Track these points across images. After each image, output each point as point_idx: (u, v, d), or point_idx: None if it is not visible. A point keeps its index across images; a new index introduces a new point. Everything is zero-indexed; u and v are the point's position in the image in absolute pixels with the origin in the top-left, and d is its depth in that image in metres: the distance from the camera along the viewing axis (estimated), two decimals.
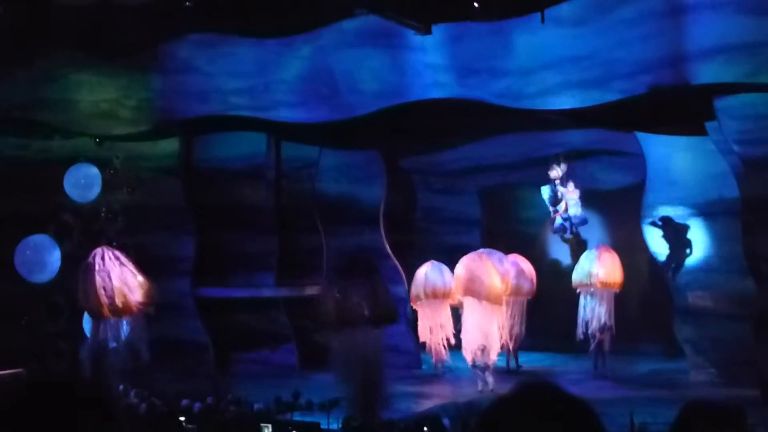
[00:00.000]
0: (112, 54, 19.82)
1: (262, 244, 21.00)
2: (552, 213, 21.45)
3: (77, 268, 17.15)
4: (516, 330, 20.28)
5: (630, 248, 20.63)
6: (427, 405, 16.89)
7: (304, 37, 19.09)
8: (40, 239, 20.13)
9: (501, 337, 18.71)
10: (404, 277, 20.88)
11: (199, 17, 18.80)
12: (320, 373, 17.47)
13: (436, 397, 18.07)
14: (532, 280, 20.39)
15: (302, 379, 18.51)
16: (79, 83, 20.17)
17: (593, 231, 22.27)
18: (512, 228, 24.41)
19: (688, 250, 19.03)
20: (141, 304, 16.46)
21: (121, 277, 16.27)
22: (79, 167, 20.44)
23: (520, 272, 20.09)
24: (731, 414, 3.68)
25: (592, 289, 19.86)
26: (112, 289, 16.22)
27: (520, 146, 22.56)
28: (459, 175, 24.34)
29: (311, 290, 19.61)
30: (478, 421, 2.51)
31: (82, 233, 20.21)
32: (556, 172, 21.04)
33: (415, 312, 20.45)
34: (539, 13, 16.68)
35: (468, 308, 18.15)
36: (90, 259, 16.61)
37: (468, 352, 18.11)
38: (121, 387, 16.20)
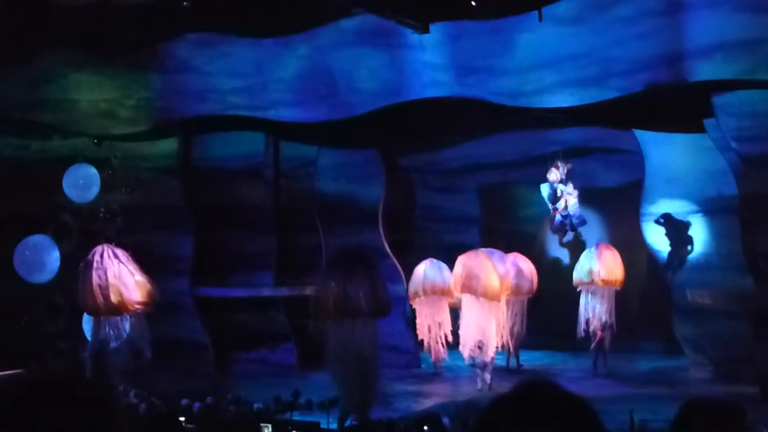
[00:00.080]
0: (111, 54, 19.82)
1: (261, 243, 21.01)
2: (551, 211, 21.45)
3: (76, 268, 17.14)
4: (516, 329, 20.29)
5: (629, 246, 20.65)
6: (426, 404, 16.90)
7: (302, 37, 19.09)
8: (39, 239, 20.11)
9: (500, 335, 18.69)
10: (403, 275, 20.88)
11: (198, 17, 18.78)
12: (319, 373, 17.46)
13: (435, 396, 18.08)
14: (532, 278, 20.39)
15: (301, 379, 18.50)
16: (78, 83, 20.16)
17: (592, 229, 22.29)
18: (511, 226, 24.44)
19: (689, 247, 19.05)
20: (138, 303, 16.41)
21: (118, 275, 16.23)
22: (78, 167, 20.43)
23: (520, 271, 20.09)
24: (731, 411, 3.69)
25: (593, 287, 19.84)
26: (108, 287, 16.17)
27: (519, 144, 22.58)
28: (458, 174, 24.34)
29: (310, 289, 19.61)
30: (477, 420, 2.51)
31: (81, 233, 20.19)
32: (555, 175, 21.02)
33: (414, 311, 20.46)
34: (537, 12, 16.70)
35: (466, 305, 18.16)
36: (89, 257, 16.60)
37: (465, 348, 18.13)
38: (120, 387, 16.19)
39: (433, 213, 24.83)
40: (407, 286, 20.52)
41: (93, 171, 20.44)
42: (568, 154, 21.57)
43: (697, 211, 18.88)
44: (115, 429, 2.49)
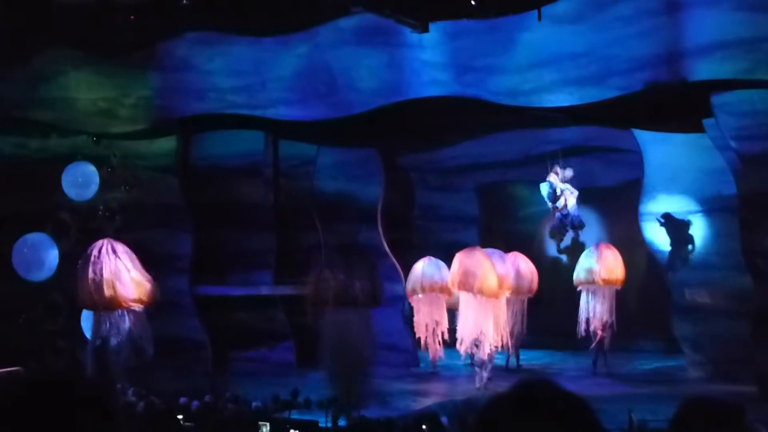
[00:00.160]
0: (110, 52, 19.82)
1: (260, 242, 21.00)
2: (551, 209, 21.44)
3: (75, 266, 17.13)
4: (516, 328, 20.27)
5: (628, 245, 20.64)
6: (425, 403, 16.90)
7: (302, 35, 19.08)
8: (38, 237, 20.12)
9: (500, 334, 18.66)
10: (402, 275, 20.86)
11: (197, 15, 18.79)
12: (318, 371, 17.47)
13: (434, 395, 18.08)
14: (532, 278, 20.37)
15: (300, 378, 18.50)
16: (77, 82, 20.16)
17: (591, 229, 22.28)
18: (511, 226, 24.44)
19: (689, 246, 19.04)
20: (133, 300, 16.34)
21: (113, 270, 16.17)
22: (77, 166, 20.43)
23: (520, 270, 20.08)
24: (730, 411, 3.68)
25: (593, 287, 19.81)
26: (102, 281, 16.13)
27: (518, 144, 22.59)
28: (457, 173, 24.34)
29: (308, 285, 19.66)
30: (476, 419, 2.51)
31: (79, 231, 20.19)
32: (555, 179, 21.01)
33: (411, 309, 20.46)
34: (536, 11, 16.70)
35: (463, 302, 18.17)
36: (88, 251, 16.59)
37: (462, 345, 18.15)
38: (119, 385, 16.19)
39: (432, 212, 24.82)
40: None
41: (92, 169, 20.45)
42: (568, 153, 21.59)
43: (696, 211, 18.89)
44: (114, 427, 2.49)
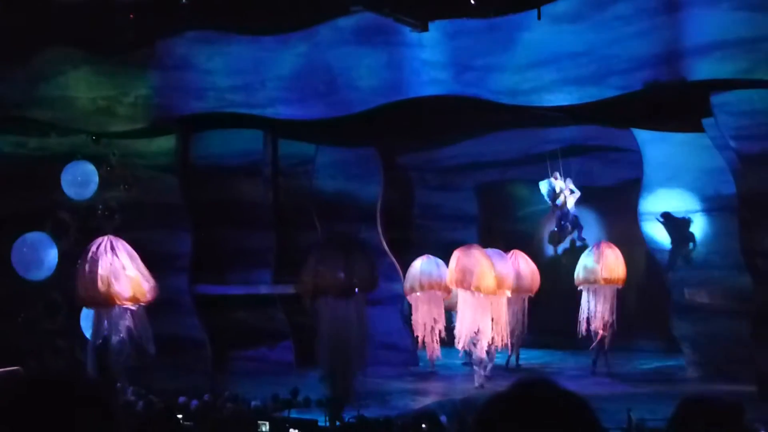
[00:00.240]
0: (110, 51, 19.82)
1: (260, 241, 21.00)
2: (550, 207, 21.41)
3: (74, 265, 17.12)
4: (517, 327, 20.24)
5: (627, 244, 20.62)
6: (424, 402, 16.91)
7: (301, 34, 19.09)
8: (37, 237, 20.12)
9: (500, 333, 18.66)
10: (401, 273, 20.86)
11: (196, 14, 18.79)
12: (318, 370, 17.46)
13: (433, 394, 18.08)
14: (532, 277, 20.36)
15: (300, 377, 18.50)
16: (76, 80, 20.17)
17: (590, 228, 22.27)
18: (510, 225, 24.45)
19: (690, 245, 19.02)
20: (128, 297, 16.27)
21: (109, 267, 16.14)
22: (76, 164, 20.43)
23: (521, 269, 20.08)
24: (729, 410, 3.69)
25: (594, 286, 19.77)
26: (96, 277, 16.11)
27: (518, 143, 22.59)
28: (456, 172, 24.33)
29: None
30: (475, 418, 2.51)
31: (78, 231, 20.19)
32: (557, 180, 21.00)
33: (410, 308, 20.45)
34: (536, 10, 16.71)
35: (461, 300, 18.17)
36: (89, 246, 16.58)
37: (460, 343, 18.18)
38: (119, 384, 16.18)
39: (432, 211, 24.81)
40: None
41: (91, 168, 20.45)
42: (567, 152, 21.58)
43: (696, 210, 18.88)
44: (113, 426, 2.49)
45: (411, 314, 20.37)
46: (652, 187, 19.41)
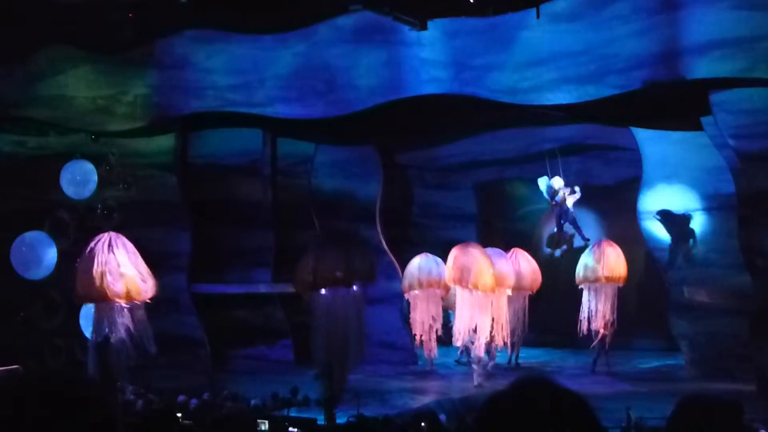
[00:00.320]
0: (109, 50, 19.83)
1: (259, 240, 21.01)
2: (550, 205, 21.34)
3: (73, 264, 17.12)
4: (518, 326, 20.22)
5: (626, 243, 20.60)
6: (423, 401, 16.90)
7: (300, 33, 19.09)
8: (36, 236, 20.11)
9: (497, 330, 18.65)
10: (400, 272, 20.85)
11: (195, 13, 18.80)
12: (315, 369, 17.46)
13: (432, 392, 18.08)
14: (533, 275, 20.35)
15: (299, 376, 18.49)
16: (75, 79, 20.16)
17: (590, 227, 22.24)
18: (509, 223, 24.45)
19: (690, 243, 19.00)
20: (121, 294, 16.21)
21: (104, 263, 16.11)
22: (75, 164, 20.44)
23: (521, 267, 20.07)
24: (728, 408, 3.69)
25: (595, 285, 19.73)
26: (91, 272, 16.09)
27: (517, 142, 22.58)
28: (455, 171, 24.33)
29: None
30: (474, 417, 2.51)
31: (77, 230, 20.19)
32: (558, 182, 20.96)
33: (409, 307, 20.44)
34: (535, 9, 16.71)
35: (460, 298, 18.18)
36: (89, 242, 16.59)
37: (458, 341, 18.19)
38: (118, 383, 16.17)
39: (431, 210, 24.82)
40: None
41: (90, 167, 20.45)
42: (566, 151, 21.57)
43: (695, 209, 18.88)
44: (112, 425, 2.49)
45: (410, 313, 20.36)
46: (651, 186, 19.40)
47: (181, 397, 15.71)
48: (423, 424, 12.43)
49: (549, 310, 21.10)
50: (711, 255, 18.72)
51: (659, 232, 19.36)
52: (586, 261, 19.82)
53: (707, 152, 17.78)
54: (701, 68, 15.53)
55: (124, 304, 16.14)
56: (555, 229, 21.55)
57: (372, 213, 21.64)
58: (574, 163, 21.68)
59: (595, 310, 19.65)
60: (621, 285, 19.75)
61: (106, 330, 16.31)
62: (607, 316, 19.58)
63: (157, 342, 16.66)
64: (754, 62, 15.17)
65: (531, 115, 19.38)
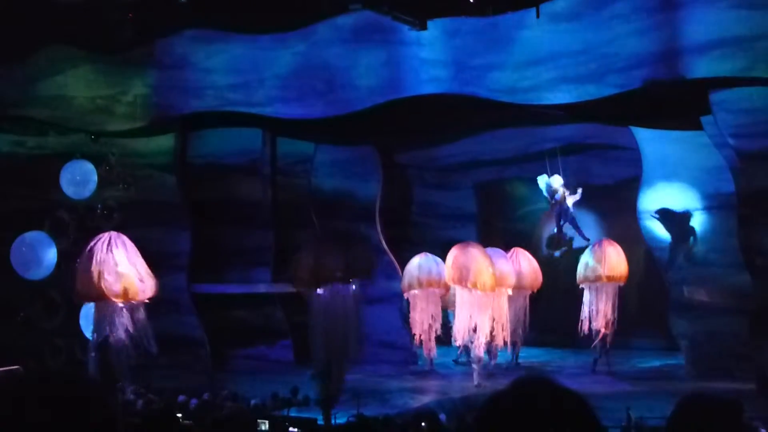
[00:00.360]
0: (108, 50, 19.83)
1: (259, 239, 21.00)
2: (549, 203, 21.31)
3: (73, 264, 17.12)
4: (518, 325, 20.20)
5: (626, 243, 20.59)
6: (423, 400, 16.91)
7: (300, 33, 19.09)
8: (36, 236, 20.11)
9: (497, 329, 18.64)
10: (400, 272, 20.85)
11: (195, 13, 18.80)
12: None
13: (432, 392, 18.08)
14: (534, 274, 20.34)
15: (299, 375, 18.48)
16: (75, 79, 20.16)
17: (589, 226, 22.24)
18: (509, 223, 24.45)
19: (690, 241, 18.99)
20: (117, 293, 16.19)
21: (102, 262, 16.11)
22: (75, 164, 20.43)
23: (522, 267, 20.06)
24: (728, 408, 3.69)
25: (596, 284, 19.71)
26: (89, 271, 16.09)
27: (516, 141, 22.57)
28: (455, 170, 24.34)
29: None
30: (475, 417, 2.51)
31: (77, 230, 20.18)
32: (558, 180, 20.95)
33: (409, 306, 20.44)
34: (534, 9, 16.71)
35: (459, 298, 18.18)
36: (91, 241, 16.60)
37: (458, 339, 18.18)
38: (119, 383, 16.17)
39: (430, 209, 24.82)
40: None
41: (90, 167, 20.45)
42: (566, 150, 21.56)
43: (695, 208, 18.88)
44: (112, 426, 2.49)
45: (409, 312, 20.36)
46: (651, 185, 19.40)
47: (181, 397, 15.70)
48: (423, 423, 12.43)
49: (549, 309, 21.10)
50: (711, 254, 18.72)
51: (659, 231, 19.37)
52: (587, 260, 19.80)
53: (707, 151, 17.78)
54: (701, 67, 15.53)
55: (121, 304, 16.16)
56: (555, 230, 21.56)
57: (372, 213, 21.64)
58: (574, 162, 21.67)
59: (596, 310, 19.63)
60: (622, 284, 19.75)
61: (107, 330, 16.32)
62: (608, 316, 19.56)
63: (157, 342, 16.68)
64: (753, 61, 15.17)
65: (531, 115, 19.38)
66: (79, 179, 20.37)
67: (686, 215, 18.94)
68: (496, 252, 18.92)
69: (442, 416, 13.69)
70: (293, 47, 19.15)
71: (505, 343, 18.99)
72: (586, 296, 19.80)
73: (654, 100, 17.04)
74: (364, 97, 18.64)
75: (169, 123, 20.43)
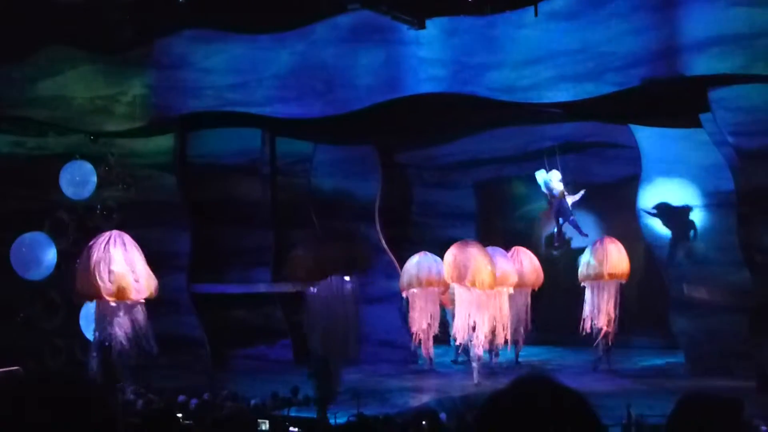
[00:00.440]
0: (107, 50, 19.82)
1: (258, 239, 21.00)
2: (548, 198, 21.26)
3: (73, 264, 17.13)
4: (519, 324, 20.19)
5: (625, 241, 20.59)
6: (423, 399, 16.91)
7: (298, 33, 19.09)
8: (36, 236, 20.10)
9: (499, 328, 18.64)
10: (400, 271, 20.85)
11: (194, 13, 18.80)
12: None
13: (432, 391, 18.08)
14: (536, 273, 20.34)
15: (299, 375, 18.49)
16: (74, 80, 20.16)
17: (589, 225, 22.22)
18: (508, 221, 24.44)
19: (691, 233, 18.98)
20: (111, 293, 16.17)
21: (98, 260, 16.10)
22: (75, 164, 20.42)
23: (523, 265, 20.06)
24: (728, 406, 3.68)
25: (598, 282, 19.69)
26: (86, 269, 16.09)
27: (515, 140, 22.56)
28: (454, 169, 24.33)
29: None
30: (475, 416, 2.51)
31: (77, 230, 20.18)
32: (556, 175, 20.90)
33: (407, 304, 20.43)
34: (533, 7, 16.71)
35: (458, 296, 18.19)
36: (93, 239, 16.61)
37: (457, 338, 18.18)
38: (120, 383, 16.18)
39: (430, 208, 24.82)
40: None
41: (89, 167, 20.44)
42: (565, 149, 21.54)
43: (694, 206, 18.88)
44: (112, 426, 2.49)
45: (409, 311, 20.36)
46: (650, 184, 19.40)
47: (182, 397, 15.70)
48: (424, 422, 12.44)
49: (550, 308, 21.09)
50: (710, 252, 18.72)
51: (659, 229, 19.36)
52: (588, 259, 19.79)
53: (706, 149, 17.78)
54: (700, 65, 15.53)
55: (114, 303, 16.15)
56: (555, 230, 21.53)
57: (371, 212, 21.62)
58: (573, 160, 21.65)
59: (598, 308, 19.62)
60: (623, 281, 19.74)
61: (108, 330, 16.32)
62: (611, 314, 19.54)
63: (157, 342, 16.69)
64: (752, 59, 15.17)
65: (529, 113, 19.38)
66: (79, 180, 20.36)
67: (685, 209, 18.94)
68: (496, 251, 18.92)
69: (443, 415, 13.70)
70: (292, 47, 19.15)
71: (506, 341, 18.99)
72: (588, 294, 19.79)
73: (653, 98, 17.05)
74: (363, 96, 18.64)
75: (169, 123, 20.44)
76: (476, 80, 17.66)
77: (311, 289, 16.09)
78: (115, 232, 16.58)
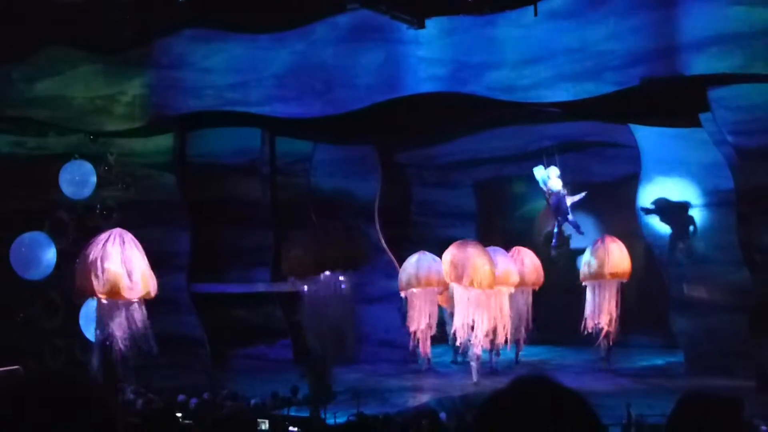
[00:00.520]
0: (107, 50, 19.82)
1: (258, 239, 21.00)
2: (546, 193, 21.20)
3: (72, 264, 17.11)
4: (520, 323, 20.18)
5: (625, 240, 20.59)
6: (423, 399, 16.91)
7: (298, 32, 19.09)
8: (36, 236, 20.10)
9: (499, 327, 18.63)
10: (399, 271, 20.84)
11: (193, 13, 18.79)
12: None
13: (432, 391, 18.08)
14: (537, 272, 20.32)
15: (298, 374, 18.49)
16: (74, 80, 20.15)
17: (589, 224, 22.21)
18: (508, 221, 24.44)
19: (691, 228, 18.97)
20: (104, 291, 16.14)
21: (94, 258, 16.08)
22: (74, 164, 20.42)
23: (524, 265, 20.05)
24: (728, 405, 3.68)
25: (599, 282, 19.68)
26: (83, 267, 16.08)
27: (515, 139, 22.55)
28: (454, 169, 24.33)
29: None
30: (475, 416, 2.51)
31: (77, 230, 20.18)
32: (554, 171, 20.87)
33: (406, 304, 20.41)
34: (532, 6, 16.71)
35: (457, 295, 18.18)
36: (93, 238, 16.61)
37: (456, 338, 18.19)
38: (120, 383, 16.17)
39: (430, 208, 24.81)
40: None
41: (89, 167, 20.44)
42: (564, 148, 21.52)
43: (694, 205, 18.88)
44: (112, 426, 2.49)
45: (408, 311, 20.34)
46: (649, 183, 19.40)
47: (181, 397, 15.70)
48: (423, 422, 12.44)
49: (550, 307, 21.08)
50: (710, 251, 18.72)
51: (658, 228, 19.36)
52: (589, 258, 19.78)
53: (706, 149, 17.77)
54: (699, 64, 15.53)
55: (106, 300, 16.14)
56: (554, 230, 21.50)
57: (371, 212, 21.62)
58: (573, 160, 21.63)
59: (599, 307, 19.60)
60: (625, 280, 19.74)
61: (108, 329, 16.31)
62: (612, 313, 19.52)
63: (157, 341, 16.68)
64: (751, 58, 15.16)
65: (529, 113, 19.38)
66: (78, 179, 20.35)
67: (685, 208, 18.93)
68: (496, 250, 18.91)
69: (442, 415, 13.70)
70: (291, 46, 19.15)
71: (506, 341, 18.98)
72: (589, 294, 19.79)
73: (652, 98, 17.03)
74: (362, 96, 18.64)
75: (168, 123, 20.44)
76: (476, 80, 17.65)
77: (308, 287, 16.08)
78: (117, 230, 16.55)
